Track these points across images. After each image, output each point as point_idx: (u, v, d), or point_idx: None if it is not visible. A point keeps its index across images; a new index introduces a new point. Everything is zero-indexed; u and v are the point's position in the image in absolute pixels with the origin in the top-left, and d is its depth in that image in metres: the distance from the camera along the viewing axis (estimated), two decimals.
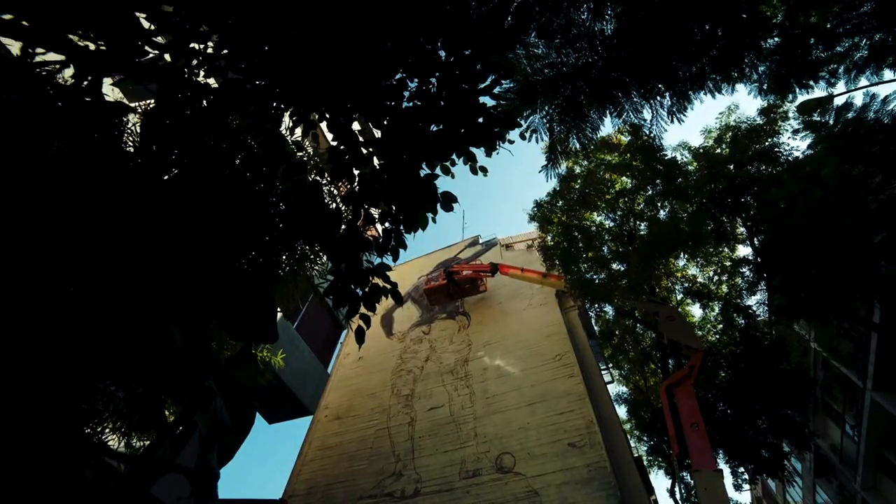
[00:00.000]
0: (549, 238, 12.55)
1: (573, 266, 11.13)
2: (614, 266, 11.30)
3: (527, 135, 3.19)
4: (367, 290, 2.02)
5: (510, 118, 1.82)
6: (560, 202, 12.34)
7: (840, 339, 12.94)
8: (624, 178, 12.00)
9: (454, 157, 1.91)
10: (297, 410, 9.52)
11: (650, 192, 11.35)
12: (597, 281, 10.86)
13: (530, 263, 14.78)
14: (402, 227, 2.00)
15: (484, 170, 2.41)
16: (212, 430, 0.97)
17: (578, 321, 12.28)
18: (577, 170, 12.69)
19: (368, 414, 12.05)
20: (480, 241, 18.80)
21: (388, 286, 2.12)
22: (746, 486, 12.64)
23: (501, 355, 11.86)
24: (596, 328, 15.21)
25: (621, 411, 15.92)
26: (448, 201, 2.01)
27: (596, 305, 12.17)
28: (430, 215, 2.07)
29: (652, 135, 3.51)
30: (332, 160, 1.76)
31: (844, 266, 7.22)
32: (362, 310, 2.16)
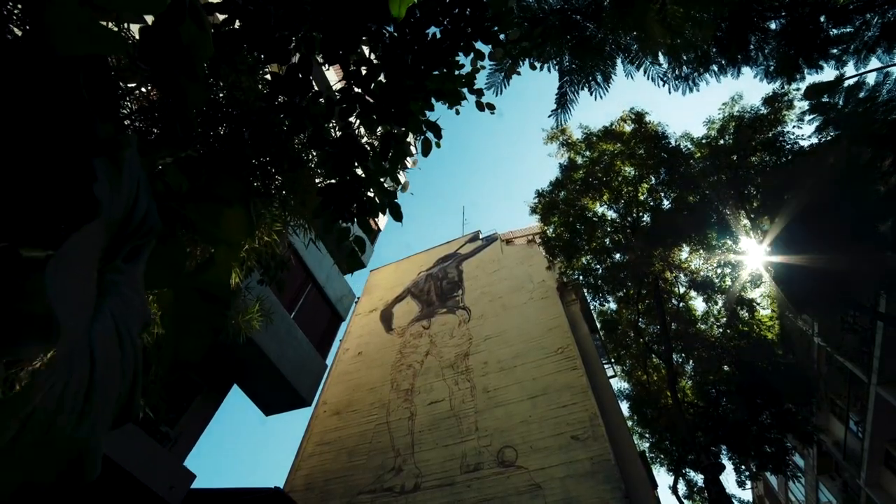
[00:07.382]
0: (549, 230, 12.40)
1: (576, 256, 10.99)
2: (616, 256, 11.16)
3: (538, 65, 3.04)
4: (363, 199, 1.85)
5: None
6: (562, 192, 12.20)
7: (844, 333, 12.80)
8: (627, 167, 11.85)
9: (461, 55, 1.77)
10: (295, 402, 9.34)
11: (654, 181, 11.21)
12: (599, 271, 10.72)
13: (531, 257, 14.60)
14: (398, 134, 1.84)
15: (491, 107, 2.26)
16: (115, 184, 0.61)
17: (580, 314, 12.11)
18: (580, 160, 12.55)
19: (368, 409, 11.88)
20: (481, 237, 18.58)
21: (387, 199, 1.94)
22: (749, 483, 12.50)
23: (502, 349, 11.68)
24: (598, 323, 15.06)
25: (623, 407, 15.75)
26: (456, 97, 1.85)
27: (599, 295, 12.03)
28: (434, 140, 1.93)
29: (668, 81, 3.35)
30: (323, 46, 1.61)
31: (850, 254, 7.08)
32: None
